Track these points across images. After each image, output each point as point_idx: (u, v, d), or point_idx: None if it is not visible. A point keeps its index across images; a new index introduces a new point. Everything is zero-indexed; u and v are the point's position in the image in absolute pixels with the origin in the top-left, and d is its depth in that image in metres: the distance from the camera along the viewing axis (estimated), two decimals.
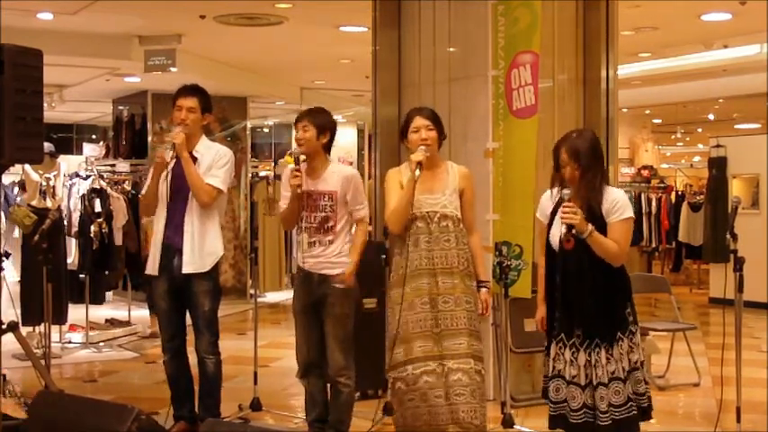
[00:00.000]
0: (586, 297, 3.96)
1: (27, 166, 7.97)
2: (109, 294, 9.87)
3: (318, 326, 4.82)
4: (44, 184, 8.22)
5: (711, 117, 16.52)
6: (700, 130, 18.83)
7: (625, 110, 14.51)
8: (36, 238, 6.09)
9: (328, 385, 4.94)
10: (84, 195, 8.54)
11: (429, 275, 4.43)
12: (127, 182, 9.77)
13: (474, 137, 6.27)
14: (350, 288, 4.77)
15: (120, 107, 12.24)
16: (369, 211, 5.08)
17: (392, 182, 4.61)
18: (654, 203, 13.06)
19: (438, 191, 4.51)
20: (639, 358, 4.01)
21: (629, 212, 4.01)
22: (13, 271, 8.76)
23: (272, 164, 12.94)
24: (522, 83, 5.77)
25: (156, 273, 5.05)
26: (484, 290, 4.55)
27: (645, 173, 14.21)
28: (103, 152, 11.55)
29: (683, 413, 6.25)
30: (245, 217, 11.88)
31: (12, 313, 6.69)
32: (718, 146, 11.64)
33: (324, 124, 4.85)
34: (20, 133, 4.53)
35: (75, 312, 8.43)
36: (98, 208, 8.50)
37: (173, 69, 9.20)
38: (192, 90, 5.11)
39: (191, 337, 5.17)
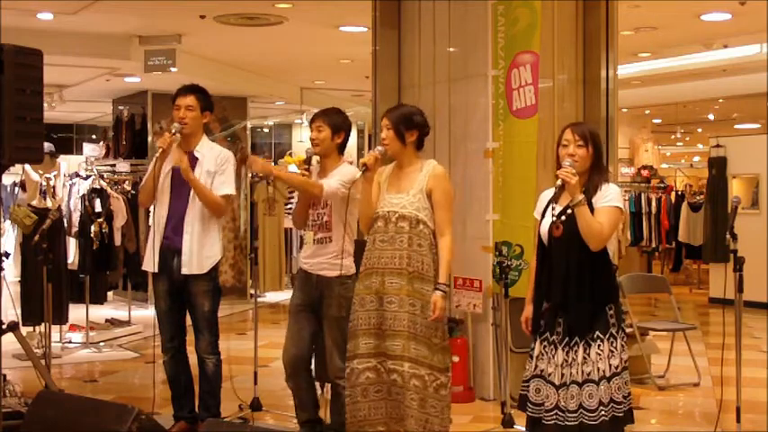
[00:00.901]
0: (570, 290, 3.89)
1: (27, 166, 7.97)
2: (109, 294, 9.87)
3: (311, 326, 4.82)
4: (44, 184, 8.22)
5: (711, 117, 16.53)
6: (699, 130, 18.84)
7: (625, 110, 14.51)
8: (36, 238, 6.09)
9: (317, 384, 4.93)
10: (84, 195, 8.53)
11: (377, 274, 4.42)
12: (127, 182, 9.76)
13: (474, 137, 6.27)
14: (347, 290, 4.76)
15: (120, 107, 12.24)
16: None
17: (372, 182, 4.59)
18: (654, 203, 13.05)
19: (404, 190, 4.47)
20: (621, 365, 3.88)
21: (619, 204, 3.97)
22: (13, 271, 8.78)
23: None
24: (522, 83, 5.77)
25: (152, 269, 5.06)
26: (438, 293, 4.35)
27: (645, 173, 14.20)
28: (103, 152, 11.54)
29: (682, 413, 6.25)
30: (245, 217, 11.87)
31: (12, 313, 6.70)
32: (717, 146, 11.64)
33: (339, 124, 4.84)
34: (20, 133, 4.53)
35: (76, 312, 8.43)
36: (98, 208, 8.50)
37: (173, 69, 9.21)
38: (190, 89, 5.11)
39: (191, 337, 5.18)
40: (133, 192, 9.24)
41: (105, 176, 9.41)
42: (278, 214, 10.89)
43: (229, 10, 8.21)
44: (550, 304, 3.97)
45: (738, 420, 4.52)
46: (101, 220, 8.44)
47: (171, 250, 5.01)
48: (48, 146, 7.73)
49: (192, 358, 5.20)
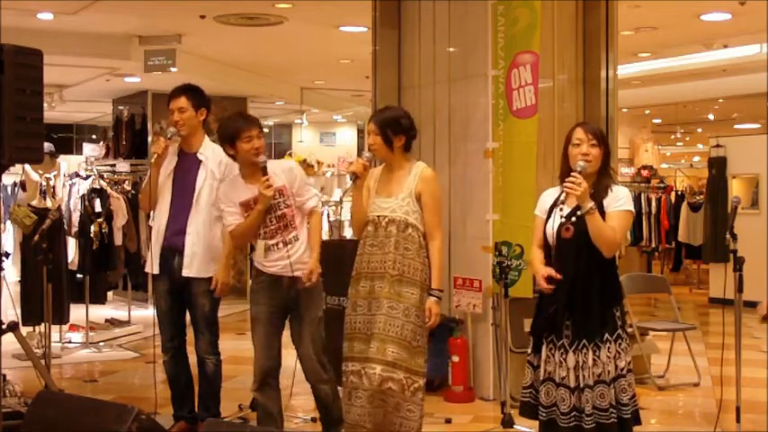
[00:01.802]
0: (578, 292, 3.88)
1: (27, 166, 7.97)
2: (109, 294, 9.87)
3: (280, 335, 4.75)
4: (44, 184, 8.22)
5: (711, 117, 16.53)
6: (699, 130, 18.83)
7: (625, 110, 14.51)
8: (36, 238, 6.09)
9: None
10: (84, 195, 8.53)
11: (367, 279, 4.42)
12: (127, 182, 9.77)
13: (474, 137, 6.27)
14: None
15: (120, 107, 12.24)
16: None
17: (362, 189, 4.56)
18: (654, 203, 13.05)
19: (394, 194, 4.45)
20: (626, 366, 3.90)
21: (631, 207, 3.97)
22: (13, 271, 8.78)
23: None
24: (522, 83, 5.77)
25: (155, 271, 5.05)
26: (432, 299, 4.36)
27: (645, 173, 14.20)
28: (103, 152, 11.54)
29: (683, 413, 6.25)
30: None
31: (12, 313, 6.70)
32: (717, 146, 11.65)
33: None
34: (20, 133, 4.53)
35: (76, 312, 8.43)
36: (98, 208, 8.50)
37: (173, 69, 9.21)
38: (180, 90, 5.07)
39: (191, 337, 5.18)
40: (133, 192, 9.24)
41: (105, 176, 9.41)
42: None
43: (229, 10, 8.21)
44: (555, 306, 3.95)
45: (738, 420, 4.53)
46: (101, 220, 8.44)
47: (172, 250, 5.00)
48: (48, 146, 7.72)
49: (192, 358, 5.20)
